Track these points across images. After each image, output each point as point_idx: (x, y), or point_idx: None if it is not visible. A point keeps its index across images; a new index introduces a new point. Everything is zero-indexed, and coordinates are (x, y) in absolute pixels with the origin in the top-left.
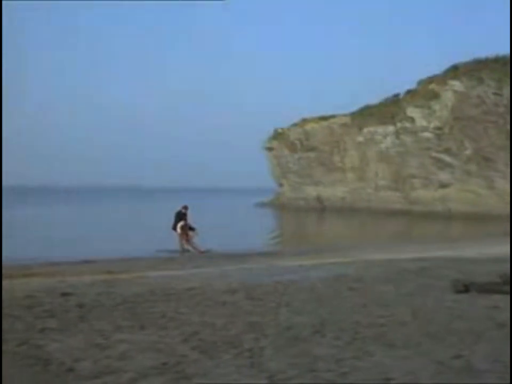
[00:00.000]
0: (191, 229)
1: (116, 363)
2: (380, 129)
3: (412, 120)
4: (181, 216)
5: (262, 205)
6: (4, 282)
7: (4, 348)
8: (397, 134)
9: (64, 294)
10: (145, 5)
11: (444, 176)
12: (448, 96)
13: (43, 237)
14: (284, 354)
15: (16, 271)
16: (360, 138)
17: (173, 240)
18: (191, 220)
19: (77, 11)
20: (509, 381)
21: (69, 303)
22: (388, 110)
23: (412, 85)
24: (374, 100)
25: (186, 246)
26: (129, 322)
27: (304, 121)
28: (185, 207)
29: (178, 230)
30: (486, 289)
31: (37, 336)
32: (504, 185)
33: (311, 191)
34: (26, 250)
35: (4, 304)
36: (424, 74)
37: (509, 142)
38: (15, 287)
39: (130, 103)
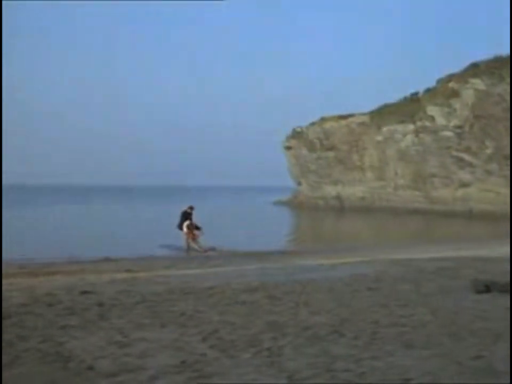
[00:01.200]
0: (197, 228)
1: (135, 361)
2: (400, 128)
3: (432, 118)
4: (186, 215)
5: (281, 203)
6: (26, 280)
7: (26, 345)
8: (416, 132)
9: (84, 292)
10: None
11: (464, 175)
12: (468, 94)
13: (62, 236)
14: (302, 353)
15: (38, 269)
16: (380, 137)
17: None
18: (197, 219)
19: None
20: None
21: (89, 301)
22: (407, 108)
23: (431, 83)
24: (393, 98)
25: (192, 245)
26: (149, 321)
27: (323, 120)
28: (191, 207)
29: (185, 229)
30: (507, 289)
31: (58, 334)
32: None
33: (330, 190)
34: (48, 248)
35: (26, 301)
36: (444, 73)
37: None
38: (36, 284)
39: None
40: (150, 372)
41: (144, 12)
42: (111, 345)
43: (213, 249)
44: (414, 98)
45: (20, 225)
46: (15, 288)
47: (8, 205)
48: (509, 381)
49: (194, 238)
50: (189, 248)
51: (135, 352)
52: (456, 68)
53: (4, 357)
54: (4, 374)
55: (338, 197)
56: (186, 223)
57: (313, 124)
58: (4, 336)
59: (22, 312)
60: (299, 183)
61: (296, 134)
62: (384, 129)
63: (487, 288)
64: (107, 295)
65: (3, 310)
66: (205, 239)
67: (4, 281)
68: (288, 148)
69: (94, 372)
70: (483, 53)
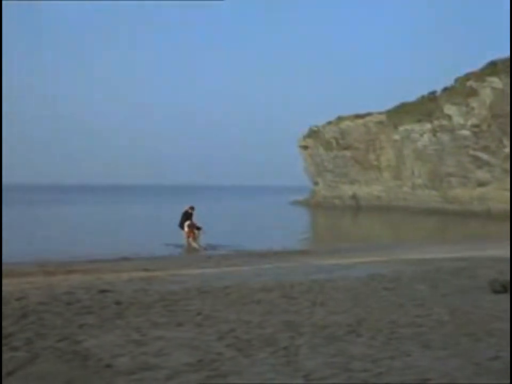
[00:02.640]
0: (197, 228)
1: (152, 359)
2: (417, 127)
3: (449, 117)
4: (187, 215)
5: (297, 203)
6: (45, 279)
7: (45, 343)
8: (433, 132)
9: (102, 291)
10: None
11: (481, 174)
12: (486, 93)
13: (79, 235)
14: (319, 353)
15: (57, 268)
16: (396, 137)
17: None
18: (197, 219)
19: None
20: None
21: (107, 300)
22: (424, 107)
23: (449, 82)
24: (410, 97)
25: (193, 244)
26: (166, 320)
27: (340, 119)
28: (192, 208)
29: (186, 228)
30: None
31: (76, 332)
32: None
33: (347, 190)
34: (67, 247)
35: (45, 300)
36: (462, 71)
37: None
38: (55, 283)
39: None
40: (167, 370)
41: (156, 10)
42: (128, 344)
43: (212, 247)
44: (431, 97)
45: (36, 224)
46: (34, 287)
47: (23, 204)
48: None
49: (194, 238)
50: (189, 247)
51: (152, 350)
52: (475, 66)
53: (24, 354)
54: (24, 372)
55: (354, 197)
56: (187, 222)
57: (329, 123)
58: (24, 334)
59: (41, 310)
60: (315, 183)
61: (313, 133)
62: (401, 128)
63: (504, 288)
64: (125, 294)
65: (23, 307)
66: (205, 238)
67: (23, 280)
68: (305, 147)
69: (112, 370)
70: (501, 52)
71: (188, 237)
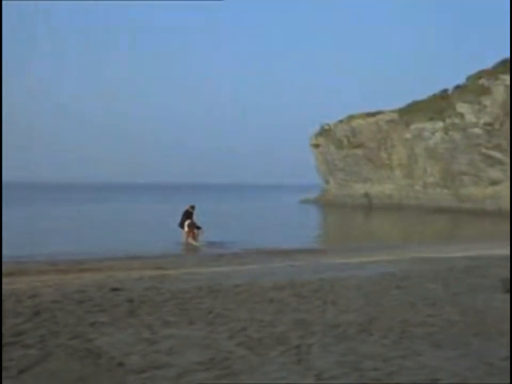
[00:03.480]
0: (197, 227)
1: (164, 358)
2: (428, 125)
3: (461, 116)
4: (188, 215)
5: (308, 202)
6: (58, 277)
7: (57, 341)
8: (445, 130)
9: (113, 289)
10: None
11: (494, 173)
12: (499, 91)
13: (89, 234)
14: (330, 352)
15: (69, 267)
16: (408, 135)
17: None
18: (197, 218)
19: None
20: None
21: (119, 298)
22: (436, 105)
23: (461, 80)
24: (422, 95)
25: (193, 242)
26: (177, 318)
27: (351, 117)
28: (192, 207)
29: (186, 228)
30: None
31: (88, 330)
32: None
33: (358, 188)
34: (80, 245)
35: (57, 298)
36: (474, 69)
37: None
38: (67, 282)
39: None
40: (178, 368)
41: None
42: (140, 342)
43: (222, 245)
44: (443, 95)
45: (46, 223)
46: (46, 285)
47: (32, 202)
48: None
49: (194, 237)
50: (188, 245)
51: (164, 349)
52: (487, 64)
53: (37, 352)
54: (37, 369)
55: (366, 195)
56: (187, 222)
57: (340, 121)
58: (37, 332)
59: (53, 308)
60: (327, 181)
61: (324, 132)
62: (413, 126)
63: None
64: (136, 292)
65: (36, 305)
66: (207, 236)
67: (36, 278)
68: (316, 146)
69: (124, 368)
70: None
71: (188, 236)
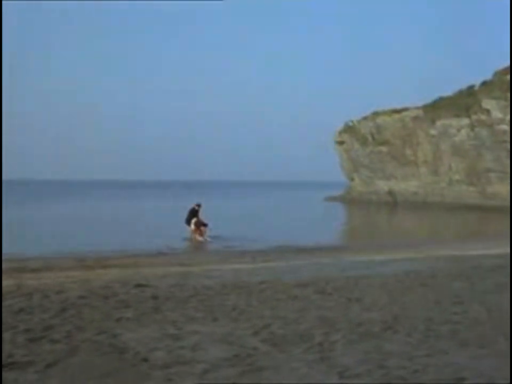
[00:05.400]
0: (204, 224)
1: (188, 354)
2: (454, 122)
3: (488, 112)
4: (194, 213)
5: (333, 199)
6: (83, 273)
7: (83, 336)
8: (471, 126)
9: (138, 285)
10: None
11: None
12: None
13: (112, 230)
14: (354, 349)
15: (94, 263)
16: (433, 132)
17: None
18: (203, 216)
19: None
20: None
21: (144, 294)
22: (462, 102)
23: (487, 76)
24: (447, 92)
25: (200, 239)
26: (202, 314)
27: (376, 114)
28: (198, 205)
29: (192, 226)
30: None
31: (114, 326)
32: None
33: (383, 186)
34: (107, 242)
35: (83, 294)
36: (500, 65)
37: None
38: (92, 277)
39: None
40: (203, 364)
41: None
42: (165, 338)
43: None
44: (469, 92)
45: (72, 219)
46: (72, 281)
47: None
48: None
49: (200, 234)
50: (194, 242)
51: (188, 344)
52: None
53: (63, 346)
54: (64, 363)
55: (391, 192)
56: (193, 220)
57: (365, 118)
58: (64, 327)
59: (80, 304)
60: (351, 179)
61: (348, 129)
62: (439, 123)
63: None
64: (161, 288)
65: (62, 301)
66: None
67: (62, 274)
68: (340, 143)
69: (148, 364)
70: None
71: (195, 233)
